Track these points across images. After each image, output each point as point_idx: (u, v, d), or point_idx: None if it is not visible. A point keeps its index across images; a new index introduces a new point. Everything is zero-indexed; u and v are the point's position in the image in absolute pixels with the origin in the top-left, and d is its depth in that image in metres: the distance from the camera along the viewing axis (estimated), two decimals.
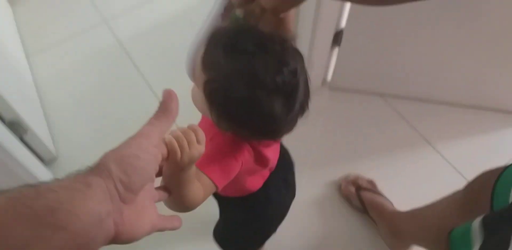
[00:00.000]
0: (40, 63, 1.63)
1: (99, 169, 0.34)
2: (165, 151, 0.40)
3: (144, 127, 0.39)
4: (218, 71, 0.54)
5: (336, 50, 1.38)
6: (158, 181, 0.45)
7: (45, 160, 1.34)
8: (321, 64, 1.39)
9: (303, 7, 1.01)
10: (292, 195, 0.93)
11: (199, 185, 0.55)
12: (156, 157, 0.38)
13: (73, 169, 0.34)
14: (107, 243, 0.34)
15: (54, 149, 1.38)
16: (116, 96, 1.53)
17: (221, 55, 0.53)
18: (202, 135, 0.45)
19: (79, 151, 1.38)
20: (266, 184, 0.79)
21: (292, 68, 0.54)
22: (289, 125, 0.59)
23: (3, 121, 1.12)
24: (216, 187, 0.60)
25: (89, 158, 0.36)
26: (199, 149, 0.44)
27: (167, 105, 0.40)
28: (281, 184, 0.85)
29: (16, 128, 1.16)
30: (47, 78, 1.59)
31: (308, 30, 1.21)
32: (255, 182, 0.78)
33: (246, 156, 0.64)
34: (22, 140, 1.20)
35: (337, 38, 1.31)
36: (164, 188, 0.47)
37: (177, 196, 0.49)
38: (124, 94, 1.53)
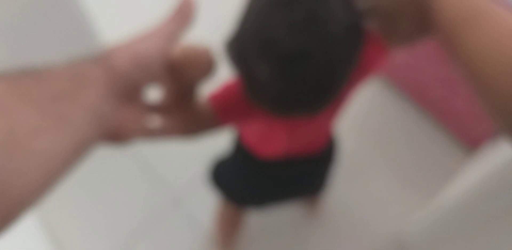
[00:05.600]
0: None
1: (105, 60, 0.32)
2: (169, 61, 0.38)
3: (156, 26, 0.37)
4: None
5: None
6: None
7: None
8: None
9: None
10: (292, 192, 0.88)
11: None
12: (163, 56, 0.35)
13: None
14: (104, 141, 0.33)
15: None
16: None
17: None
18: (208, 57, 0.40)
19: None
20: (262, 167, 0.76)
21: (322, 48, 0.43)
22: (297, 103, 0.49)
23: None
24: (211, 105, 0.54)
25: None
26: (200, 72, 0.40)
27: (182, 8, 0.38)
28: (285, 178, 0.80)
29: None
30: None
31: None
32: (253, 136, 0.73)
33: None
34: None
35: None
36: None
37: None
38: None
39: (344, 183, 1.19)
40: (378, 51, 0.55)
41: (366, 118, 1.31)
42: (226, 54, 0.50)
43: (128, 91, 0.34)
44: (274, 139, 0.68)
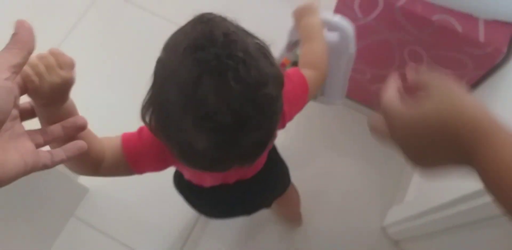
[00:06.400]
0: None
1: None
2: (21, 82, 0.37)
3: None
4: (169, 63, 0.45)
5: None
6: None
7: None
8: None
9: None
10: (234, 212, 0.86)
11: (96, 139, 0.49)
12: (7, 88, 0.34)
13: None
14: None
15: None
16: None
17: (180, 55, 0.43)
18: (65, 59, 0.40)
19: None
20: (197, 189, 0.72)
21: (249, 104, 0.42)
22: (223, 161, 0.48)
23: None
24: (123, 147, 0.52)
25: None
26: (62, 74, 0.39)
27: (19, 35, 0.36)
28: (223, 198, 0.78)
29: None
30: None
31: None
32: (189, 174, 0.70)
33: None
34: None
35: None
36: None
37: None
38: None
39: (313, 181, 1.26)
40: (301, 89, 0.57)
41: (314, 123, 1.36)
42: (146, 120, 0.48)
43: None
44: (204, 178, 0.68)
